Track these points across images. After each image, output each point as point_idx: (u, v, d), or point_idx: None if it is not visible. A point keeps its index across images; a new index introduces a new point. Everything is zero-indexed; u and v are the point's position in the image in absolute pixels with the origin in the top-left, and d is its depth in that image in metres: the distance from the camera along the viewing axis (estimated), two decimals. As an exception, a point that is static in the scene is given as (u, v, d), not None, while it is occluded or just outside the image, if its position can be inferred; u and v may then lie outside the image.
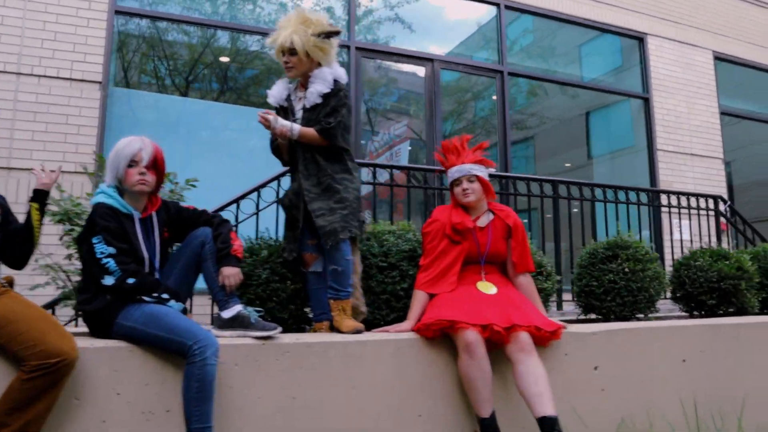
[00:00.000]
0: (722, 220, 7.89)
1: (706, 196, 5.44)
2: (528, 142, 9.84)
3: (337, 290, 2.81)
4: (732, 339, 3.49)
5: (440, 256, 2.88)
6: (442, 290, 2.81)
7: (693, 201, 5.47)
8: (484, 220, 2.99)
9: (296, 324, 3.05)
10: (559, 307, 4.64)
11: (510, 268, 3.00)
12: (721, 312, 4.12)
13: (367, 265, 3.10)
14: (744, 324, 3.55)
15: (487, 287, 2.84)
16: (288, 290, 2.95)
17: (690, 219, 5.75)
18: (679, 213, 5.40)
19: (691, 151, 7.79)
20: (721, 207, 5.51)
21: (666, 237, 7.05)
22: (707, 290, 4.01)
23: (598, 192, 5.02)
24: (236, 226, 3.52)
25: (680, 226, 6.30)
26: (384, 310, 3.04)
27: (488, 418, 2.52)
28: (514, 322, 2.60)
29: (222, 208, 3.70)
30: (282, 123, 2.87)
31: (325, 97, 2.93)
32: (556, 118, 9.04)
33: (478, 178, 2.97)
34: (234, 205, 3.62)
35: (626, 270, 3.71)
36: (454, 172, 3.00)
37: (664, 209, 6.47)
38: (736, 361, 3.46)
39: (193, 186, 3.20)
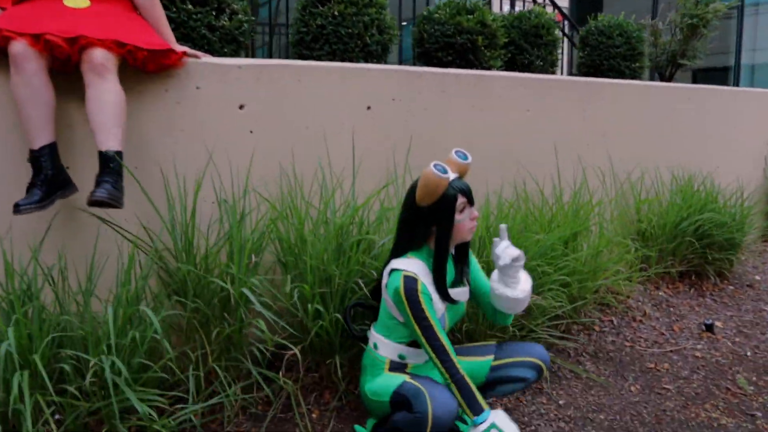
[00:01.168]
0: (557, 13, 7.45)
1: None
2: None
3: None
4: (437, 91, 3.16)
5: (23, -38, 2.29)
6: (16, 2, 2.26)
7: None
8: None
9: None
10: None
11: None
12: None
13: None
14: (450, 74, 3.21)
15: (78, 1, 2.30)
16: None
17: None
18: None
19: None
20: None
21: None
22: (443, 46, 3.63)
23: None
24: None
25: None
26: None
27: (37, 150, 2.08)
28: (82, 33, 2.11)
29: None
30: None
31: None
32: None
33: None
34: None
35: (336, 13, 3.23)
36: None
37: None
38: (439, 113, 3.18)
39: None
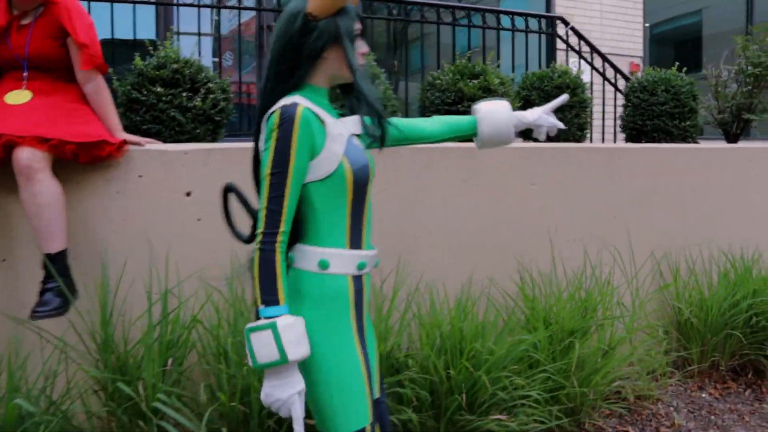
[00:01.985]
0: (634, 60, 7.02)
1: (540, 17, 4.58)
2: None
3: None
4: (421, 165, 2.92)
5: (-31, 61, 2.36)
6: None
7: (532, 23, 4.62)
8: (29, 17, 2.39)
9: None
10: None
11: (77, 72, 2.43)
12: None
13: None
14: (435, 149, 2.94)
15: (19, 97, 2.31)
16: None
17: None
18: (513, 36, 4.58)
19: (601, -22, 6.71)
20: (561, 30, 4.65)
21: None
22: (445, 114, 3.37)
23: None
24: None
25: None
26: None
27: None
28: (2, 131, 2.10)
29: None
30: None
31: None
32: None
33: None
34: None
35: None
36: None
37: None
38: (422, 188, 2.92)
39: None
